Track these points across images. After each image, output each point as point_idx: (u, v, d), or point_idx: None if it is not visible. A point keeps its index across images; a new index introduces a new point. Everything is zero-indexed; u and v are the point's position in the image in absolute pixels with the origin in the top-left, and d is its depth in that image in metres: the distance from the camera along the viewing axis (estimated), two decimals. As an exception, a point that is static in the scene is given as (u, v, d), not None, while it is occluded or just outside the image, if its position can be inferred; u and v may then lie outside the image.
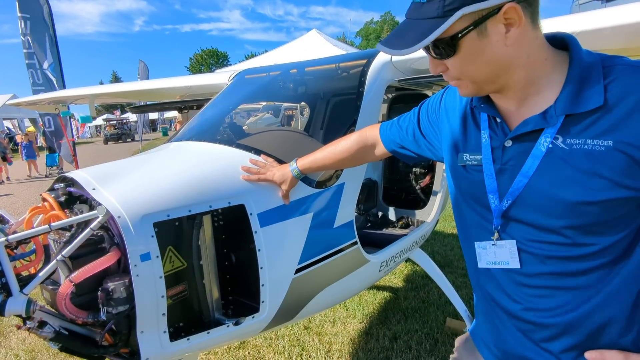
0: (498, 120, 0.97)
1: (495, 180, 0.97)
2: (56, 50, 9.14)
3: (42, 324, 1.26)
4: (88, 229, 1.26)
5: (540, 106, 0.89)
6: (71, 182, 1.50)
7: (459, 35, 0.83)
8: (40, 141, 18.03)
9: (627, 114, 0.79)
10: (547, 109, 0.87)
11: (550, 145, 0.87)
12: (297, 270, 1.72)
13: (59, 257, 1.25)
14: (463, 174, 1.06)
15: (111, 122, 35.74)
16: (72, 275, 1.24)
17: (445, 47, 0.86)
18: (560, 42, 0.92)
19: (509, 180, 0.93)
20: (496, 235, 0.98)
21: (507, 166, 0.95)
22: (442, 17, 0.80)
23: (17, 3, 8.88)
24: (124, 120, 36.52)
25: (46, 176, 13.95)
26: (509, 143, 0.94)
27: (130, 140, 32.57)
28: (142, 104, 6.66)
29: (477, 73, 0.89)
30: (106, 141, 31.65)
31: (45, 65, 9.16)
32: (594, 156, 0.81)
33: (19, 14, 8.91)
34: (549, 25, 1.71)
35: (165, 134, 33.85)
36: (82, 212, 1.41)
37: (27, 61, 9.12)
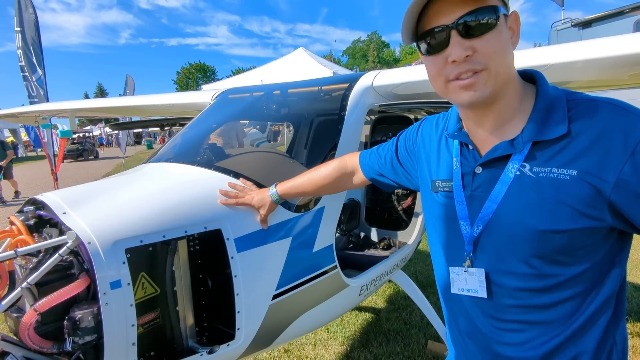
0: (470, 147, 1.00)
1: (465, 206, 0.98)
2: (42, 62, 9.08)
3: (3, 355, 1.21)
4: (56, 255, 1.22)
5: (510, 134, 0.92)
6: (41, 205, 1.45)
7: (499, 8, 0.85)
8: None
9: (590, 144, 0.82)
10: (515, 136, 0.91)
11: (518, 173, 0.89)
12: (275, 296, 1.69)
13: (23, 284, 1.21)
14: (436, 201, 1.08)
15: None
16: (37, 304, 1.19)
17: (488, 18, 0.83)
18: (529, 77, 0.97)
19: (478, 207, 0.95)
20: (467, 262, 0.99)
21: (477, 192, 0.96)
22: None
23: (15, 18, 8.86)
24: (86, 134, 30.48)
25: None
26: (479, 169, 0.97)
27: (93, 157, 26.58)
28: (126, 119, 6.60)
29: (505, 61, 0.87)
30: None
31: (34, 77, 9.09)
32: (559, 185, 0.83)
33: (17, 28, 8.88)
34: (525, 56, 1.77)
35: (149, 147, 33.37)
36: (51, 237, 1.37)
37: (22, 74, 9.06)
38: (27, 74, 9.03)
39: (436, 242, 1.12)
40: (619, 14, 7.35)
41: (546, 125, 0.87)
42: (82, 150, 26.07)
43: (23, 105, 9.03)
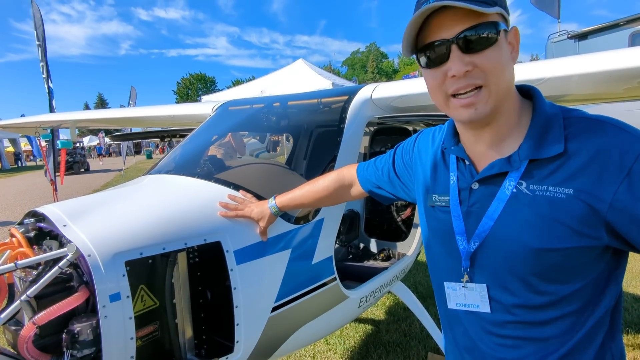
0: (466, 162, 1.00)
1: (462, 221, 0.98)
2: (46, 72, 9.17)
3: (0, 368, 1.20)
4: (56, 268, 1.22)
5: (507, 151, 0.93)
6: (42, 217, 1.46)
7: (500, 24, 0.85)
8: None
9: (586, 164, 0.82)
10: (512, 154, 0.91)
11: (515, 190, 0.89)
12: (274, 309, 1.69)
13: (23, 297, 1.20)
14: (433, 215, 1.09)
15: (60, 147, 25.31)
16: (36, 317, 1.19)
17: (489, 33, 0.83)
18: (525, 92, 0.97)
19: (475, 222, 0.95)
20: (465, 277, 0.99)
21: (473, 208, 0.96)
22: (486, 3, 0.82)
23: (36, 32, 8.94)
24: (77, 144, 25.98)
25: None
26: (475, 185, 0.97)
27: (83, 170, 24.30)
28: (128, 130, 6.61)
29: (504, 78, 0.87)
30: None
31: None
32: (555, 203, 0.84)
33: (38, 42, 8.97)
34: (521, 70, 1.80)
35: (149, 156, 33.42)
36: (51, 249, 1.37)
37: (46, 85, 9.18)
38: (46, 85, 9.13)
39: (433, 256, 1.12)
40: (614, 27, 7.43)
41: (543, 144, 0.87)
42: (73, 163, 23.18)
43: (23, 115, 9.08)
